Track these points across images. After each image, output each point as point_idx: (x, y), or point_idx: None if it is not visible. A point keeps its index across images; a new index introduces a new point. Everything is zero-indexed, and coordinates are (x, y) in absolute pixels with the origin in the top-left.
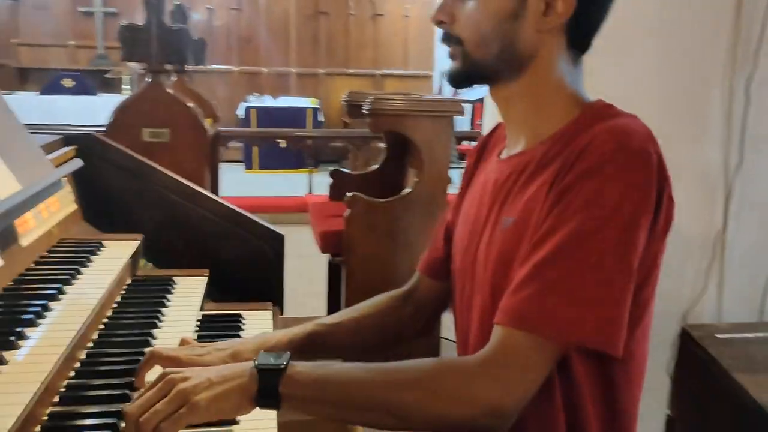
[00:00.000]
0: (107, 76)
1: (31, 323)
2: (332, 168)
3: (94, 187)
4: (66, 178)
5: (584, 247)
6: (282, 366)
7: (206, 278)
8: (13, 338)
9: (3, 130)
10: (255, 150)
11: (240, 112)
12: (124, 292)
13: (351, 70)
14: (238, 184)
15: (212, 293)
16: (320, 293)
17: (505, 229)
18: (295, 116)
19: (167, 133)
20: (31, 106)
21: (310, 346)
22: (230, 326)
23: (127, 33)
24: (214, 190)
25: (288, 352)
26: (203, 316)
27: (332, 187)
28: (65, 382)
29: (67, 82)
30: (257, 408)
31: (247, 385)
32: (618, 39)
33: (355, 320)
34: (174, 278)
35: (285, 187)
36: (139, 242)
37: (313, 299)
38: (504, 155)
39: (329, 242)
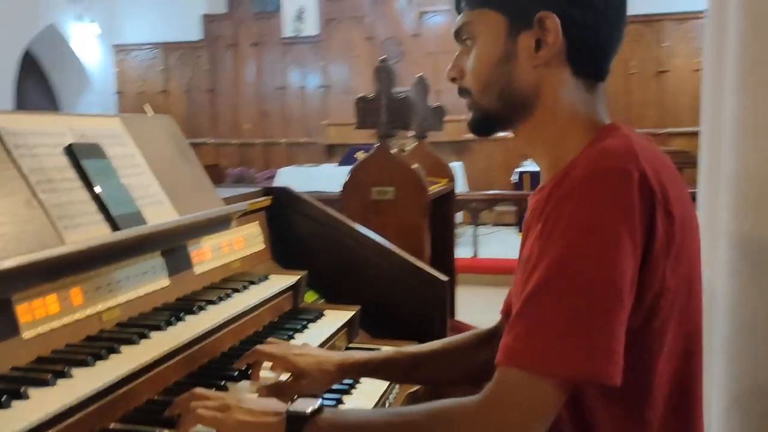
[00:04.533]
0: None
1: (158, 327)
2: None
3: (283, 231)
4: (257, 222)
5: (564, 277)
6: (307, 414)
7: (352, 313)
8: (135, 336)
9: (183, 179)
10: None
11: (514, 177)
12: (277, 318)
13: None
14: (507, 245)
15: (376, 330)
16: None
17: (524, 268)
18: None
19: (392, 191)
20: (328, 174)
21: (386, 369)
22: None
23: (361, 104)
24: (441, 248)
25: (320, 400)
26: (346, 347)
27: None
28: (176, 378)
29: (360, 155)
30: None
31: (276, 427)
32: None
33: (437, 352)
34: (325, 311)
35: None
36: (299, 277)
37: None
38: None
39: None
